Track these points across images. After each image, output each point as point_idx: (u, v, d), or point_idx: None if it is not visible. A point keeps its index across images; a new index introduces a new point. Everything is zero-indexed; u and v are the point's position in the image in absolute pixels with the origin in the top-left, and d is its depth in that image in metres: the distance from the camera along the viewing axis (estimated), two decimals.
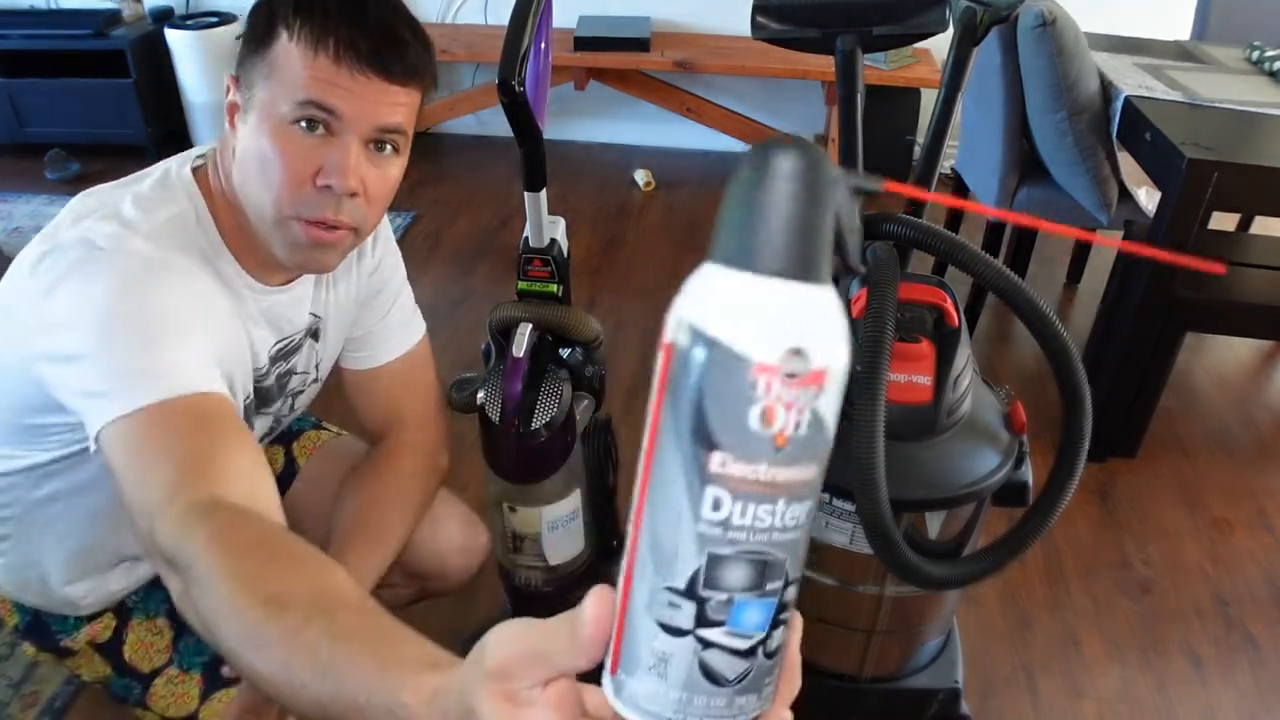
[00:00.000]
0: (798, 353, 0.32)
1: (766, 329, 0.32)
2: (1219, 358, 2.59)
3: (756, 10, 1.11)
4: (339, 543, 1.07)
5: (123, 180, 0.94)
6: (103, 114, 3.46)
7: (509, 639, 0.40)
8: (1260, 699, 1.61)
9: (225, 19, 3.48)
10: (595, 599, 0.38)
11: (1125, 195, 2.24)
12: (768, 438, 0.33)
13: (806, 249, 0.33)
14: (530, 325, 1.19)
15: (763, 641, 0.37)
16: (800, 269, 0.33)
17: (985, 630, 1.72)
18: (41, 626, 1.11)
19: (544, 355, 1.22)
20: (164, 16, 3.56)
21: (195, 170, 0.95)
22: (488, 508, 1.33)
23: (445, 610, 1.70)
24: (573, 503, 1.30)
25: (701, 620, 0.36)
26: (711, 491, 0.34)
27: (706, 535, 0.35)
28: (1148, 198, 2.20)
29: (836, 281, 0.35)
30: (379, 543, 1.08)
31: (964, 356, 1.18)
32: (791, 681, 0.40)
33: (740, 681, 0.37)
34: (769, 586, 0.36)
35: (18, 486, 0.99)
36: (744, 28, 1.15)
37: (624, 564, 0.38)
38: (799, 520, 0.36)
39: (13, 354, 0.89)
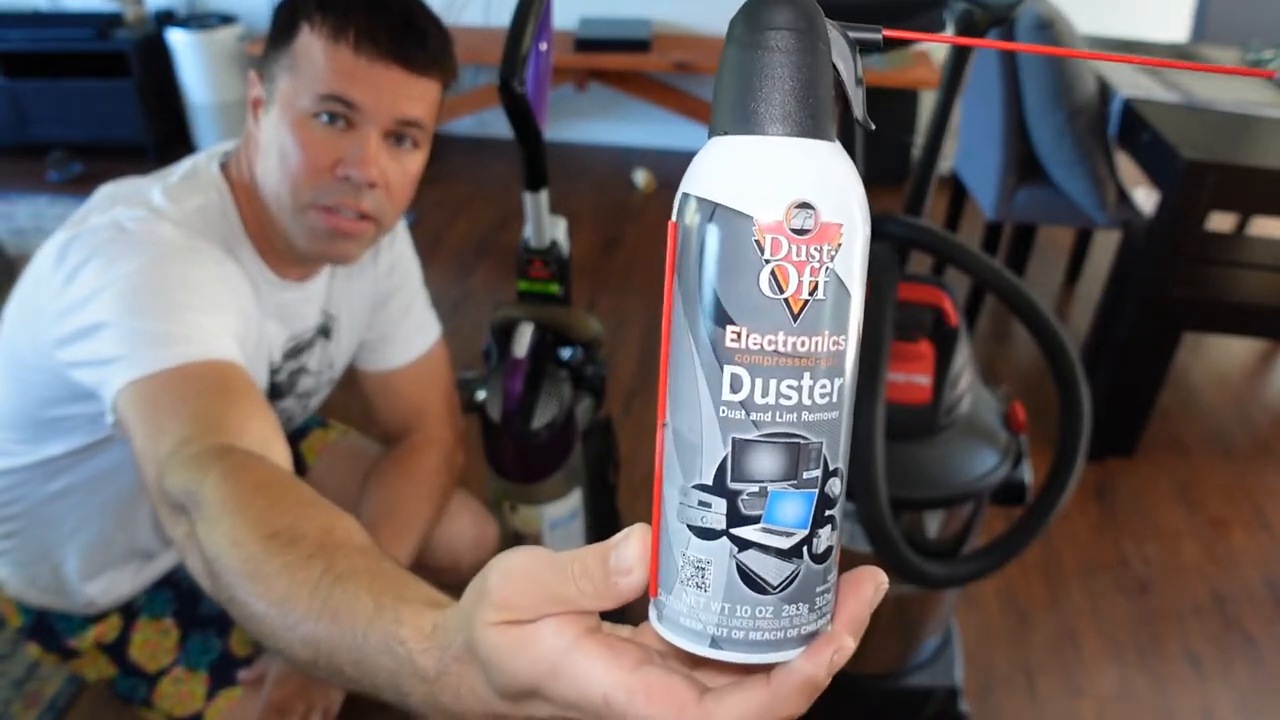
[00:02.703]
0: (805, 206, 0.31)
1: (769, 185, 0.31)
2: (1217, 357, 2.60)
3: None
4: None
5: (152, 174, 0.96)
6: (105, 115, 3.47)
7: (519, 576, 0.38)
8: (1258, 697, 1.62)
9: (227, 20, 3.49)
10: (637, 541, 0.36)
11: (1123, 196, 2.24)
12: (782, 303, 0.32)
13: (807, 103, 0.32)
14: (531, 325, 1.19)
15: (807, 540, 0.34)
16: (802, 125, 0.32)
17: (984, 629, 1.73)
18: (47, 627, 1.11)
19: (544, 355, 1.22)
20: (166, 18, 3.56)
21: (223, 165, 0.96)
22: (489, 507, 1.33)
23: None
24: (573, 502, 1.30)
25: (735, 518, 0.33)
26: (730, 370, 0.32)
27: (729, 419, 0.33)
28: (1145, 198, 2.21)
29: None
30: (406, 534, 1.09)
31: (963, 356, 1.19)
32: (854, 613, 0.36)
33: (786, 587, 0.34)
34: (805, 475, 0.33)
35: (31, 481, 1.00)
36: None
37: (655, 474, 0.36)
38: (832, 398, 0.33)
39: (33, 350, 0.90)
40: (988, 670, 1.65)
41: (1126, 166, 2.21)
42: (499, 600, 0.38)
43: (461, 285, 2.82)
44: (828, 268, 0.32)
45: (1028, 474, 1.23)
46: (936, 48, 3.21)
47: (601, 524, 1.43)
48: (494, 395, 1.19)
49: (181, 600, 1.17)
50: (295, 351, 1.07)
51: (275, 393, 1.07)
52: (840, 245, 0.32)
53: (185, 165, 0.96)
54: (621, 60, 3.35)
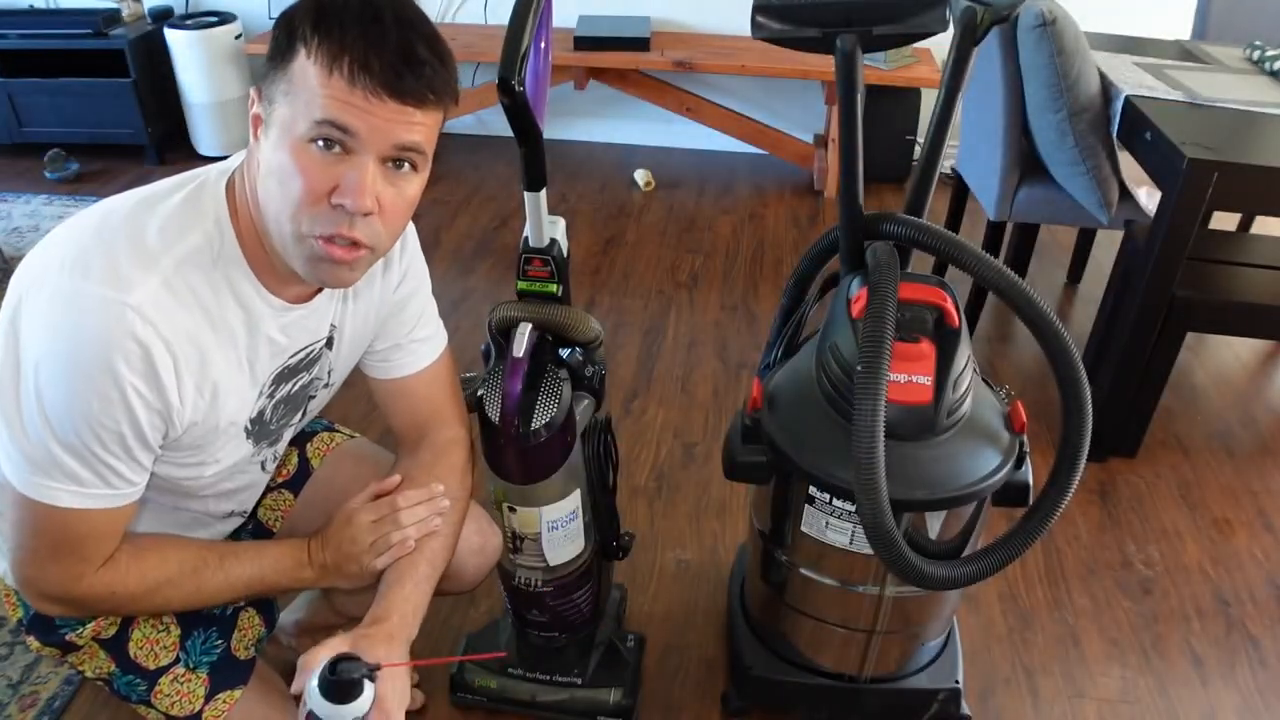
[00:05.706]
0: None
1: None
2: (1219, 357, 2.59)
3: (756, 10, 1.11)
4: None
5: (171, 183, 0.94)
6: (102, 114, 3.46)
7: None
8: (1261, 700, 1.61)
9: (225, 19, 3.48)
10: None
11: (1126, 195, 2.23)
12: None
13: None
14: (530, 325, 1.18)
15: None
16: None
17: (985, 630, 1.72)
18: (46, 621, 1.10)
19: (544, 355, 1.21)
20: (163, 16, 3.55)
21: (228, 184, 0.95)
22: (488, 508, 1.33)
23: (446, 609, 1.70)
24: (573, 503, 1.30)
25: None
26: None
27: None
28: (1148, 197, 2.20)
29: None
30: (446, 533, 1.14)
31: (964, 356, 1.18)
32: None
33: None
34: None
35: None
36: (744, 28, 1.15)
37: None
38: None
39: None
40: (989, 672, 1.64)
41: (1129, 165, 2.20)
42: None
43: (461, 285, 2.81)
44: None
45: (1029, 475, 1.22)
46: (938, 46, 3.20)
47: (601, 525, 1.43)
48: (493, 395, 1.19)
49: None
50: (308, 364, 1.07)
51: (291, 403, 1.09)
52: None
53: (194, 184, 0.94)
54: (621, 58, 3.34)
